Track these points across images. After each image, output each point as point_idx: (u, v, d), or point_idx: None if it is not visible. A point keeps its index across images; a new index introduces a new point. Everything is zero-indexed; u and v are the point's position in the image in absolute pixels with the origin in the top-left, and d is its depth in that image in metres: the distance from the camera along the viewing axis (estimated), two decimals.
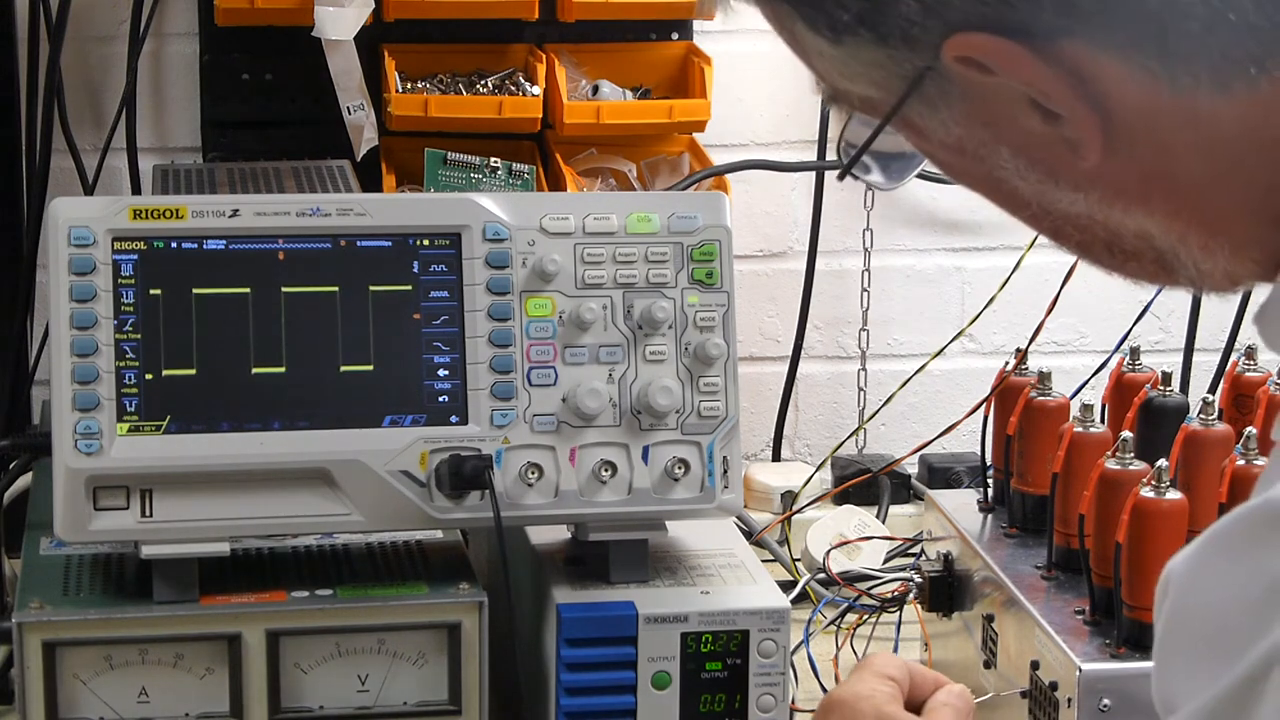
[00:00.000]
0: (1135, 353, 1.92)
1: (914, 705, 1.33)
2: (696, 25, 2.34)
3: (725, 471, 1.67)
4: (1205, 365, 2.49)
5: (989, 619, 1.78)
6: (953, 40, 0.91)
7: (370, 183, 2.17)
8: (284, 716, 1.62)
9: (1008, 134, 0.94)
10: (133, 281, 1.60)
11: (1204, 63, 0.88)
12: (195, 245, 1.62)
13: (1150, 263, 0.97)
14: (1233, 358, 2.19)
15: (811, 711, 1.89)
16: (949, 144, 0.97)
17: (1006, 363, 1.93)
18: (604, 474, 1.65)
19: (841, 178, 1.07)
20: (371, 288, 1.64)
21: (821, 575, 2.08)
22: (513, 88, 2.25)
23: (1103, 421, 1.82)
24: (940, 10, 0.91)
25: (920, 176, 2.58)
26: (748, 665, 1.65)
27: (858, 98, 0.99)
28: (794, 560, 2.19)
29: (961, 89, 0.93)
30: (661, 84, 2.32)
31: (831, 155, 2.43)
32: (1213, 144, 0.90)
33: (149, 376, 1.60)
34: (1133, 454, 1.66)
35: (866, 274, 2.47)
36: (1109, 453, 1.67)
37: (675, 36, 2.34)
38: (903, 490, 2.37)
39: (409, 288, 1.64)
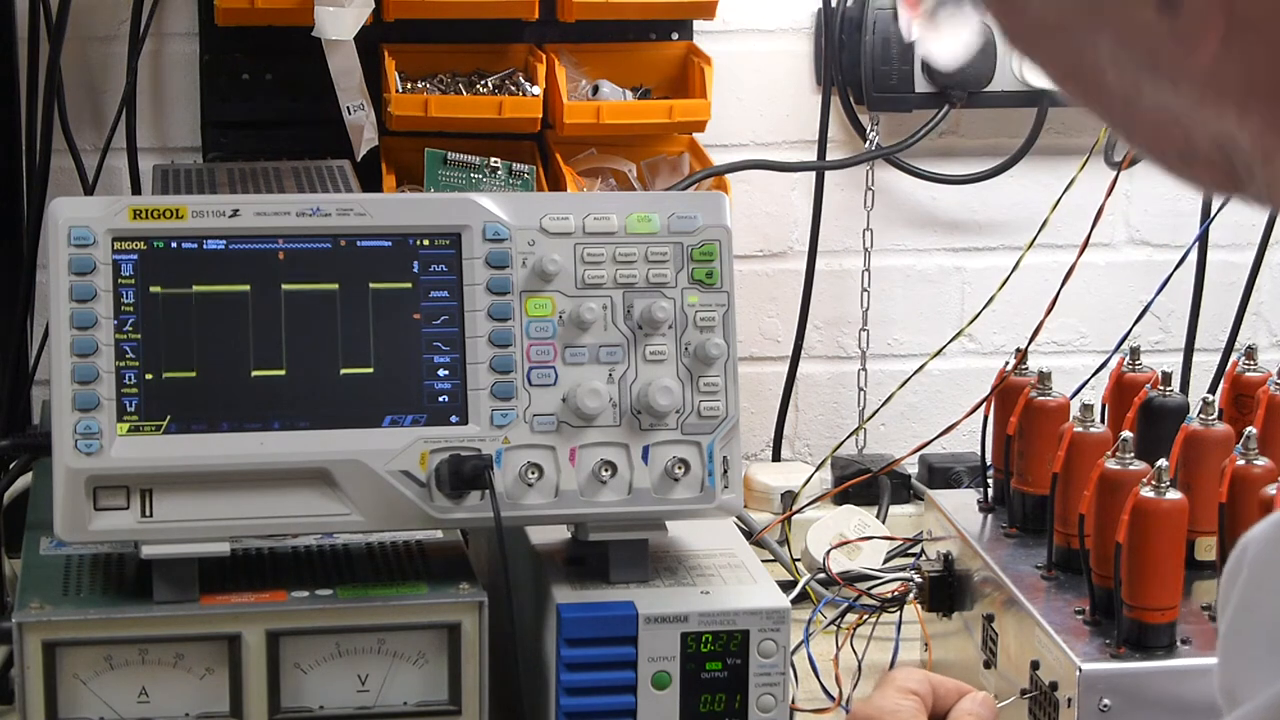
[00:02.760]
0: (1135, 353, 1.92)
1: (938, 715, 1.33)
2: (696, 25, 2.35)
3: (725, 471, 1.67)
4: (1205, 365, 2.48)
5: (989, 619, 1.78)
6: None
7: (370, 183, 2.17)
8: (284, 716, 1.62)
9: (1114, 18, 0.86)
10: (133, 281, 1.60)
11: None
12: (195, 245, 1.62)
13: (1222, 172, 0.89)
14: (1233, 358, 2.19)
15: (812, 711, 1.90)
16: (1042, 20, 0.88)
17: (1006, 363, 1.93)
18: (604, 474, 1.65)
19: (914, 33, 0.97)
20: (372, 287, 1.64)
21: (821, 575, 2.08)
22: (513, 88, 2.25)
23: (1103, 421, 1.82)
24: None
25: (920, 177, 2.58)
26: (748, 665, 1.65)
27: None
28: (794, 560, 2.19)
29: None
30: (661, 84, 2.32)
31: (832, 155, 2.43)
32: None
33: (149, 376, 1.60)
34: (1133, 454, 1.66)
35: (866, 274, 2.47)
36: (1109, 453, 1.67)
37: (675, 36, 2.34)
38: (903, 490, 2.37)
39: (409, 287, 1.64)
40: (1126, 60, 0.85)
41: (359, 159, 2.19)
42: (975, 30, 1.00)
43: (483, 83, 2.25)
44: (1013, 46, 0.91)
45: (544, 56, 2.23)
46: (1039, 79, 2.37)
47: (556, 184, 2.22)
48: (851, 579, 2.04)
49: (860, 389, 2.49)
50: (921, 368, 2.31)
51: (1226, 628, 0.90)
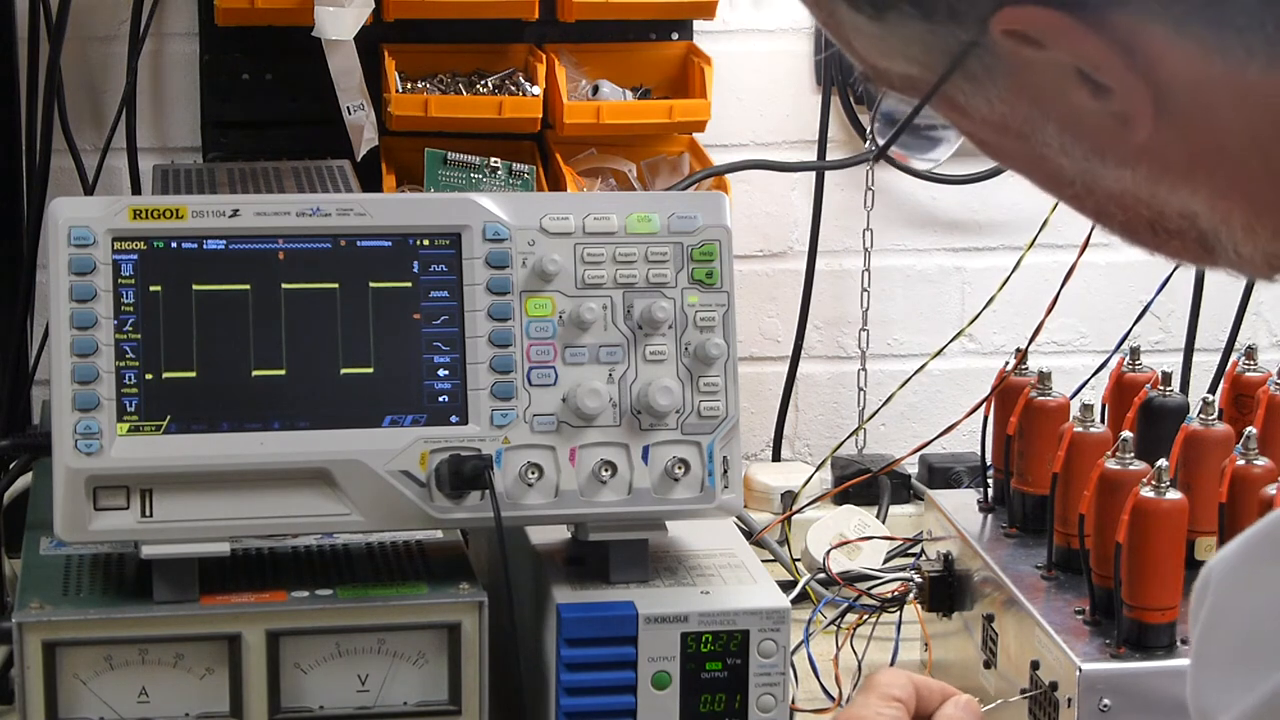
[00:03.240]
0: (1135, 353, 1.92)
1: (923, 718, 1.32)
2: (696, 25, 2.35)
3: (725, 471, 1.67)
4: (1205, 365, 2.49)
5: (989, 619, 1.78)
6: (1001, 14, 0.87)
7: (370, 183, 2.17)
8: (284, 716, 1.62)
9: (1055, 110, 0.91)
10: (133, 281, 1.60)
11: (1258, 35, 0.85)
12: (195, 245, 1.62)
13: (1193, 243, 0.93)
14: (1233, 358, 2.19)
15: (812, 711, 1.90)
16: (992, 122, 0.94)
17: (1006, 363, 1.93)
18: (604, 474, 1.65)
19: (877, 160, 1.05)
20: (372, 287, 1.64)
21: (821, 575, 2.08)
22: (513, 88, 2.25)
23: (1103, 421, 1.82)
24: None
25: (920, 176, 2.58)
26: (748, 665, 1.65)
27: (897, 76, 0.95)
28: (794, 560, 2.19)
29: (1008, 64, 0.90)
30: (661, 84, 2.32)
31: (832, 155, 2.43)
32: (1262, 121, 0.87)
33: (149, 376, 1.60)
34: (1133, 454, 1.66)
35: (866, 274, 2.47)
36: (1109, 453, 1.67)
37: (675, 36, 2.34)
38: (903, 490, 2.37)
39: (409, 287, 1.64)
40: (1074, 148, 0.92)
41: (359, 159, 2.19)
42: (949, 138, 1.03)
43: (483, 83, 2.25)
44: (976, 146, 0.96)
45: (544, 56, 2.23)
46: None
47: (556, 184, 2.22)
48: (851, 579, 2.04)
49: (860, 389, 2.49)
50: (922, 368, 2.31)
51: (1195, 650, 0.92)
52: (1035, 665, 1.66)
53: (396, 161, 2.23)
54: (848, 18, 0.95)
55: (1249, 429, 1.70)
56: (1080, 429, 1.74)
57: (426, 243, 1.65)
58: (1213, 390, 2.36)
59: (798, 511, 2.23)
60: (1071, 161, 0.93)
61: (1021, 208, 2.48)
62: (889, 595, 1.98)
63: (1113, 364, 1.95)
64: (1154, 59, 0.87)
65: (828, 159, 2.42)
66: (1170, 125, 0.88)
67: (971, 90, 0.92)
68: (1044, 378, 1.85)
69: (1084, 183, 0.94)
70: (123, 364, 1.59)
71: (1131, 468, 1.65)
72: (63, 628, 1.58)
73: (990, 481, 1.94)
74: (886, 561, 2.18)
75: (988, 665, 1.78)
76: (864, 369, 2.49)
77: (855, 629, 1.97)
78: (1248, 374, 1.90)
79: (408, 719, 1.64)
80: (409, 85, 2.22)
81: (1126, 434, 1.68)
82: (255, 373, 1.62)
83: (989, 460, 1.95)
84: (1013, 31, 0.88)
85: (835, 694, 1.90)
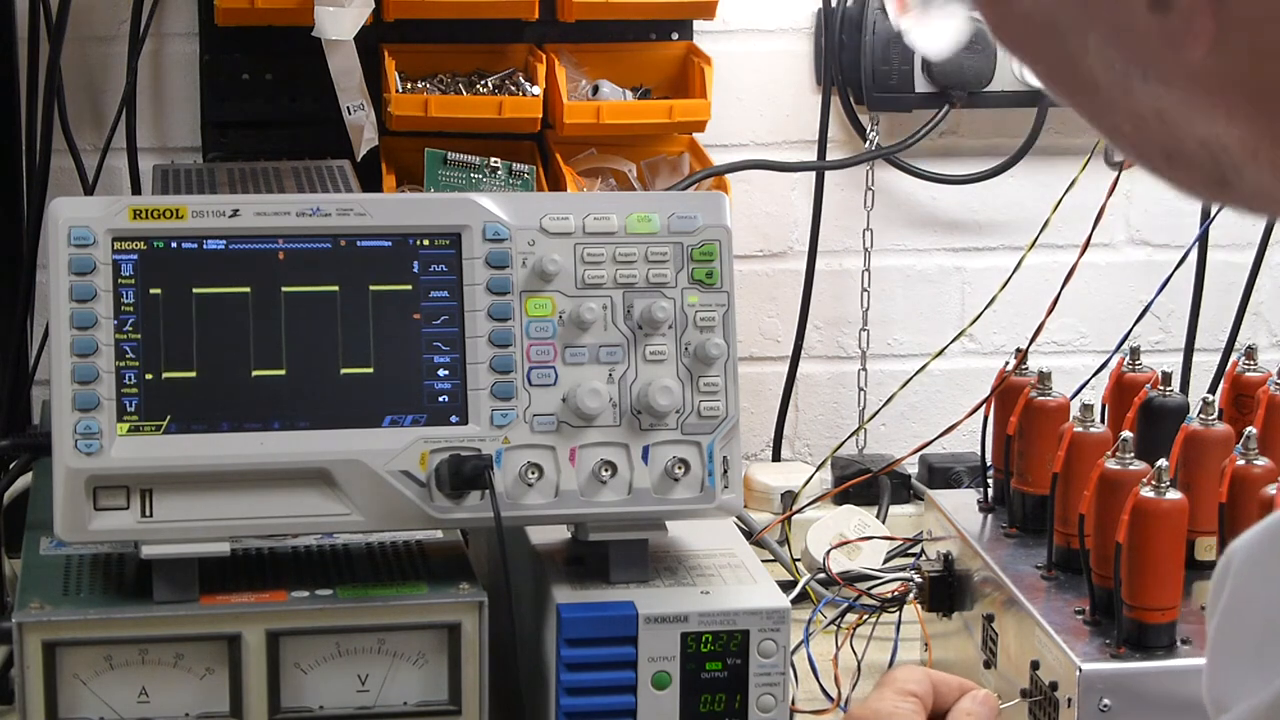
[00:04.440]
0: (1135, 353, 1.92)
1: (940, 713, 1.32)
2: (696, 25, 2.35)
3: (725, 471, 1.67)
4: (1205, 365, 2.49)
5: (989, 619, 1.78)
6: None
7: (370, 183, 2.17)
8: (284, 716, 1.62)
9: (1104, 16, 0.85)
10: (133, 281, 1.60)
11: None
12: (195, 245, 1.62)
13: (1207, 173, 0.88)
14: (1233, 358, 2.19)
15: (812, 712, 1.90)
16: (1030, 16, 0.87)
17: (1006, 363, 1.93)
18: (604, 474, 1.65)
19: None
20: (371, 288, 1.64)
21: (821, 575, 2.08)
22: (513, 88, 2.25)
23: (1103, 421, 1.82)
24: None
25: (920, 176, 2.58)
26: (748, 665, 1.65)
27: None
28: (794, 560, 2.19)
29: None
30: (661, 84, 2.32)
31: (832, 155, 2.43)
32: None
33: (149, 376, 1.60)
34: (1133, 454, 1.66)
35: (866, 274, 2.47)
36: (1109, 453, 1.67)
37: (675, 36, 2.34)
38: (903, 490, 2.37)
39: (409, 288, 1.64)
40: (1115, 58, 0.85)
41: (359, 159, 2.19)
42: (964, 23, 0.98)
43: (483, 83, 2.25)
44: (1000, 41, 0.90)
45: (544, 56, 2.23)
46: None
47: (556, 184, 2.22)
48: (851, 579, 2.04)
49: (860, 389, 2.49)
50: (922, 368, 2.31)
51: (1213, 637, 0.91)
52: (1035, 665, 1.66)
53: (396, 161, 2.23)
54: None
55: (1249, 429, 1.70)
56: (1080, 429, 1.74)
57: (426, 243, 1.65)
58: (1213, 390, 2.36)
59: (798, 511, 2.23)
60: (1106, 72, 0.87)
61: (1021, 208, 2.48)
62: (889, 595, 1.98)
63: (1113, 364, 1.95)
64: None
65: (828, 159, 2.42)
66: (1227, 50, 0.83)
67: None
68: (1044, 378, 1.85)
69: (1110, 95, 0.88)
70: (123, 364, 1.59)
71: (1131, 468, 1.65)
72: (63, 628, 1.58)
73: (990, 481, 1.94)
74: (886, 561, 2.18)
75: (988, 665, 1.78)
76: (864, 369, 2.49)
77: (855, 629, 1.97)
78: (1248, 374, 1.90)
79: (408, 719, 1.64)
80: (409, 85, 2.22)
81: (1126, 434, 1.68)
82: (255, 373, 1.62)
83: (989, 460, 1.95)
84: None
85: (835, 694, 1.90)
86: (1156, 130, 0.87)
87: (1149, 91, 0.85)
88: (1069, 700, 1.59)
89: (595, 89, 2.27)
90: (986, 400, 1.93)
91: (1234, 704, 0.86)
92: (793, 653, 1.76)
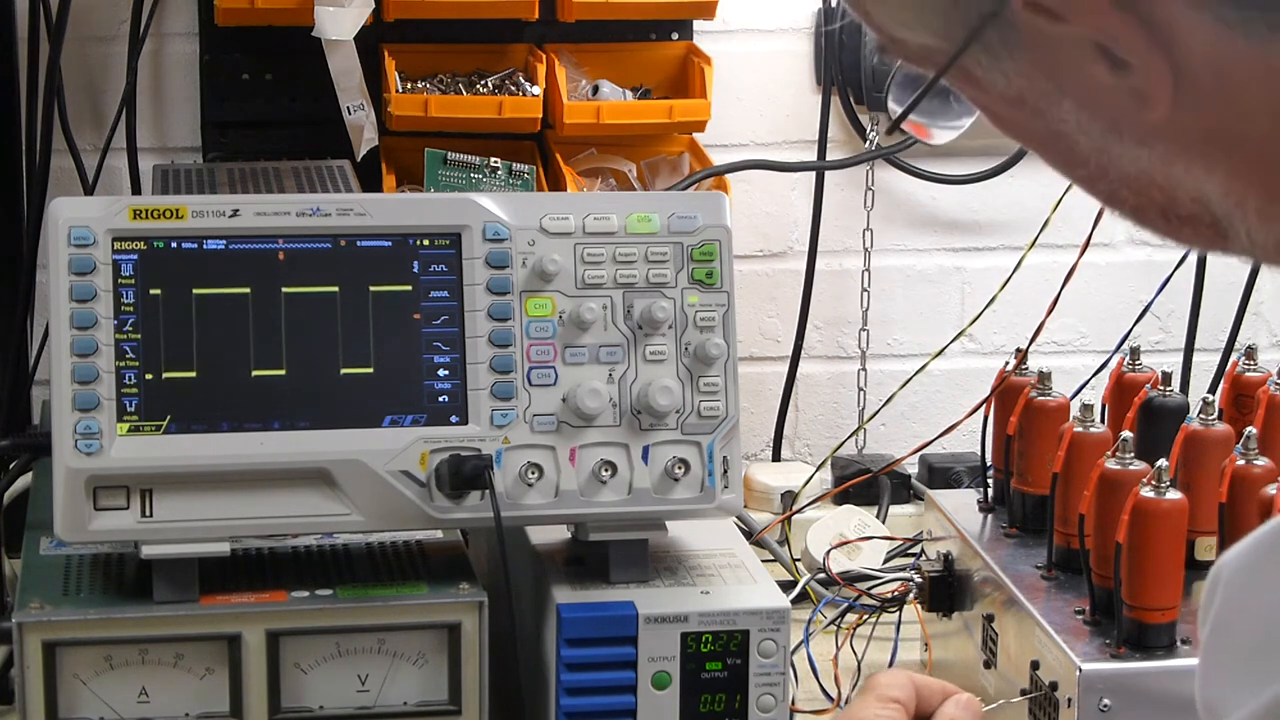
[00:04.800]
0: (1135, 353, 1.92)
1: (923, 718, 1.32)
2: (696, 25, 2.35)
3: (725, 471, 1.67)
4: (1205, 365, 2.49)
5: (989, 619, 1.78)
6: None
7: (370, 183, 2.17)
8: (284, 716, 1.62)
9: (1072, 85, 0.90)
10: (133, 281, 1.60)
11: None
12: (195, 245, 1.62)
13: (1206, 228, 0.91)
14: (1233, 358, 2.19)
15: (812, 712, 1.90)
16: (1008, 96, 0.93)
17: (1006, 363, 1.93)
18: (604, 474, 1.65)
19: (890, 131, 1.03)
20: (371, 288, 1.64)
21: (821, 575, 2.08)
22: (513, 88, 2.25)
23: (1103, 421, 1.82)
24: None
25: (920, 177, 2.58)
26: (748, 665, 1.65)
27: (914, 48, 0.94)
28: (794, 560, 2.19)
29: (1027, 37, 0.88)
30: (661, 84, 2.32)
31: (832, 155, 2.43)
32: None
33: (149, 376, 1.60)
34: (1133, 454, 1.66)
35: (866, 274, 2.47)
36: (1109, 453, 1.67)
37: (675, 36, 2.34)
38: (903, 490, 2.37)
39: (409, 288, 1.64)
40: (1090, 125, 0.90)
41: (359, 159, 2.19)
42: (967, 115, 1.01)
43: (483, 83, 2.25)
44: (990, 121, 0.95)
45: (544, 56, 2.23)
46: None
47: (556, 184, 2.22)
48: (851, 579, 2.04)
49: (860, 389, 2.49)
50: (922, 368, 2.31)
51: (1205, 647, 0.92)
52: (1035, 665, 1.66)
53: (396, 161, 2.23)
54: None
55: (1249, 429, 1.70)
56: (1080, 429, 1.74)
57: (426, 243, 1.65)
58: (1213, 390, 2.36)
59: (798, 511, 2.23)
60: (1087, 139, 0.91)
61: (1022, 208, 2.48)
62: (889, 595, 1.98)
63: (1113, 364, 1.95)
64: (1175, 35, 0.85)
65: (828, 159, 2.42)
66: (1189, 103, 0.86)
67: (989, 63, 0.91)
68: (1044, 378, 1.85)
69: (1098, 162, 0.92)
70: (123, 364, 1.59)
71: (1131, 468, 1.65)
72: (63, 628, 1.58)
73: (990, 481, 1.94)
74: (886, 561, 2.18)
75: (988, 665, 1.78)
76: (864, 369, 2.49)
77: (855, 629, 1.97)
78: (1248, 374, 1.90)
79: (408, 719, 1.64)
80: (409, 85, 2.22)
81: (1126, 434, 1.68)
82: (255, 373, 1.62)
83: (989, 460, 1.95)
84: (1033, 4, 0.86)
85: (835, 694, 1.90)
86: (1149, 191, 0.91)
87: (1129, 154, 0.90)
88: (1069, 700, 1.59)
89: (595, 89, 2.27)
90: (986, 400, 1.93)
91: (1227, 713, 0.88)
92: (793, 653, 1.76)
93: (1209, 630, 0.91)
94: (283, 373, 1.62)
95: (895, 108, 1.02)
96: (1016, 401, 1.85)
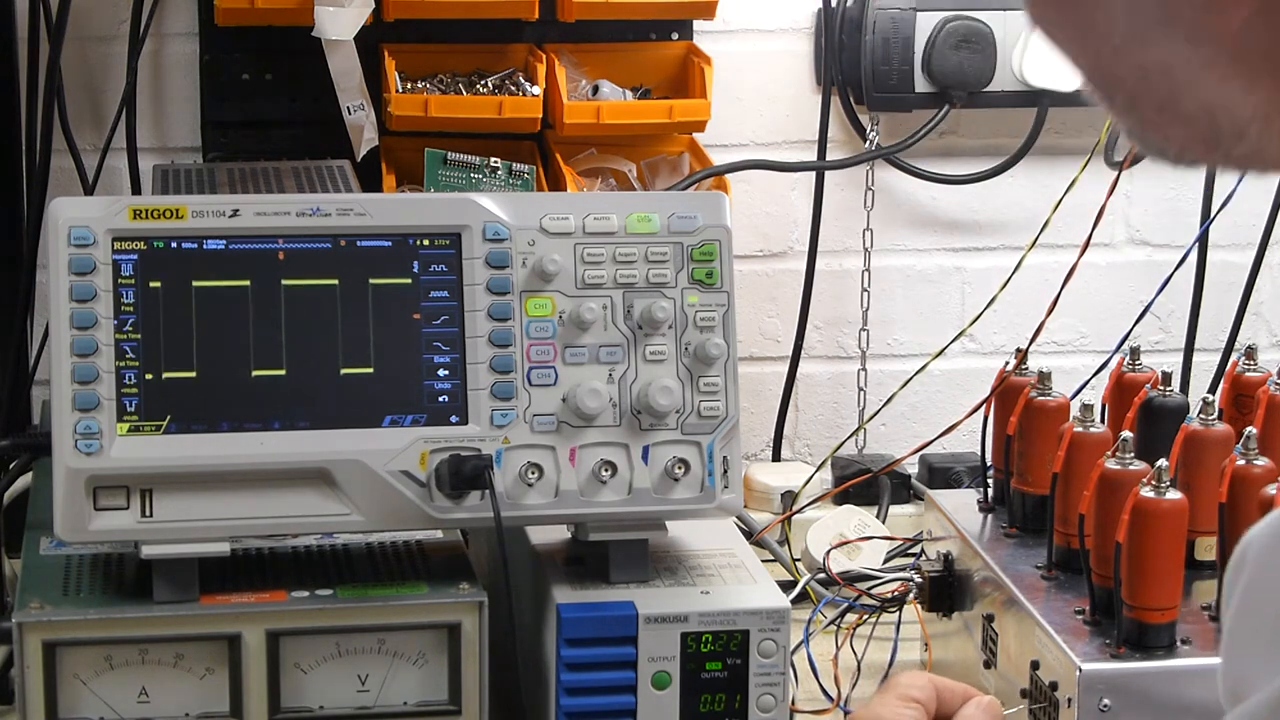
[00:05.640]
0: (1135, 353, 1.92)
1: (943, 718, 1.32)
2: (696, 25, 2.35)
3: (725, 471, 1.67)
4: (1205, 365, 2.49)
5: (989, 619, 1.78)
6: None
7: (370, 183, 2.17)
8: (284, 716, 1.62)
9: None
10: (133, 281, 1.60)
11: None
12: (195, 245, 1.62)
13: (1198, 132, 0.84)
14: (1233, 358, 2.19)
15: (812, 712, 1.90)
16: None
17: (1006, 363, 1.93)
18: (604, 474, 1.65)
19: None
20: (372, 287, 1.64)
21: (821, 575, 2.08)
22: (513, 88, 2.25)
23: (1103, 421, 1.82)
24: None
25: (920, 176, 2.58)
26: (748, 665, 1.65)
27: None
28: (794, 560, 2.19)
29: None
30: (661, 84, 2.32)
31: (832, 155, 2.43)
32: None
33: (149, 376, 1.60)
34: (1133, 454, 1.66)
35: (866, 274, 2.47)
36: (1109, 453, 1.67)
37: (675, 36, 2.34)
38: (903, 490, 2.37)
39: (409, 287, 1.64)
40: (1146, 7, 0.81)
41: (359, 159, 2.19)
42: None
43: (483, 83, 2.25)
44: None
45: (544, 56, 2.23)
46: (1039, 79, 2.37)
47: (556, 184, 2.22)
48: (851, 579, 2.04)
49: (860, 389, 2.49)
50: (922, 368, 2.31)
51: (1230, 626, 0.90)
52: (1035, 665, 1.66)
53: (396, 161, 2.23)
54: None
55: (1249, 429, 1.70)
56: (1080, 429, 1.74)
57: (426, 243, 1.65)
58: (1213, 390, 2.36)
59: (798, 511, 2.23)
60: (1130, 16, 0.83)
61: (1021, 208, 2.48)
62: (889, 595, 1.98)
63: (1113, 364, 1.95)
64: None
65: (828, 159, 2.42)
66: (1265, 21, 0.79)
67: None
68: (1044, 378, 1.85)
69: (1124, 42, 0.83)
70: (123, 364, 1.59)
71: (1131, 468, 1.65)
72: (63, 628, 1.58)
73: (990, 481, 1.94)
74: (886, 561, 2.18)
75: (988, 665, 1.78)
76: (864, 369, 2.49)
77: (855, 629, 1.97)
78: (1248, 374, 1.90)
79: (408, 719, 1.64)
80: (409, 85, 2.22)
81: (1126, 434, 1.68)
82: (255, 373, 1.62)
83: (989, 460, 1.95)
84: None
85: (835, 694, 1.90)
86: (1159, 84, 0.83)
87: (1169, 47, 0.81)
88: (1069, 700, 1.60)
89: (595, 89, 2.27)
90: (986, 400, 1.93)
91: (1252, 691, 0.86)
92: (793, 653, 1.76)
93: (1235, 606, 0.90)
94: (283, 373, 1.62)
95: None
96: (1016, 401, 1.85)
